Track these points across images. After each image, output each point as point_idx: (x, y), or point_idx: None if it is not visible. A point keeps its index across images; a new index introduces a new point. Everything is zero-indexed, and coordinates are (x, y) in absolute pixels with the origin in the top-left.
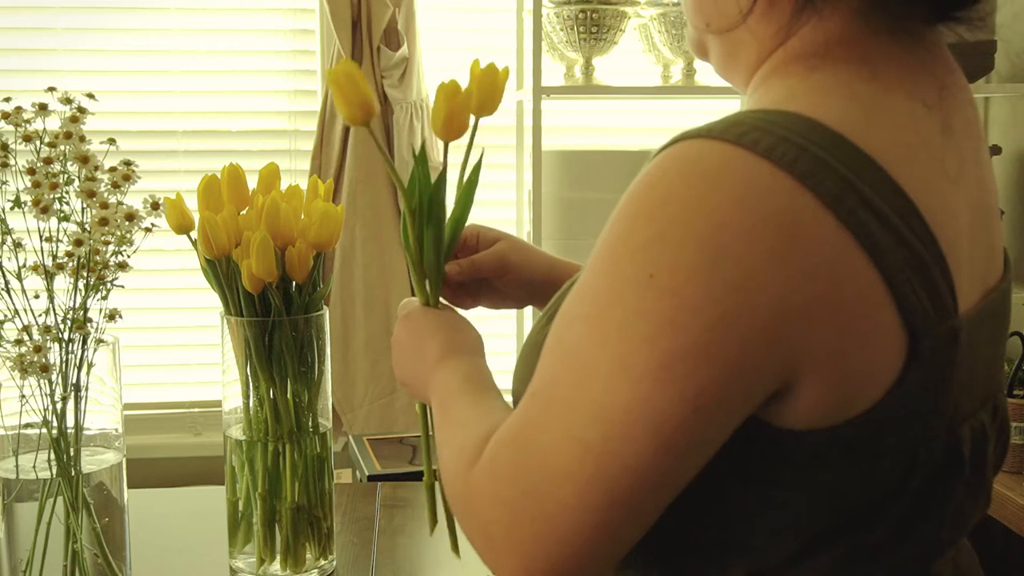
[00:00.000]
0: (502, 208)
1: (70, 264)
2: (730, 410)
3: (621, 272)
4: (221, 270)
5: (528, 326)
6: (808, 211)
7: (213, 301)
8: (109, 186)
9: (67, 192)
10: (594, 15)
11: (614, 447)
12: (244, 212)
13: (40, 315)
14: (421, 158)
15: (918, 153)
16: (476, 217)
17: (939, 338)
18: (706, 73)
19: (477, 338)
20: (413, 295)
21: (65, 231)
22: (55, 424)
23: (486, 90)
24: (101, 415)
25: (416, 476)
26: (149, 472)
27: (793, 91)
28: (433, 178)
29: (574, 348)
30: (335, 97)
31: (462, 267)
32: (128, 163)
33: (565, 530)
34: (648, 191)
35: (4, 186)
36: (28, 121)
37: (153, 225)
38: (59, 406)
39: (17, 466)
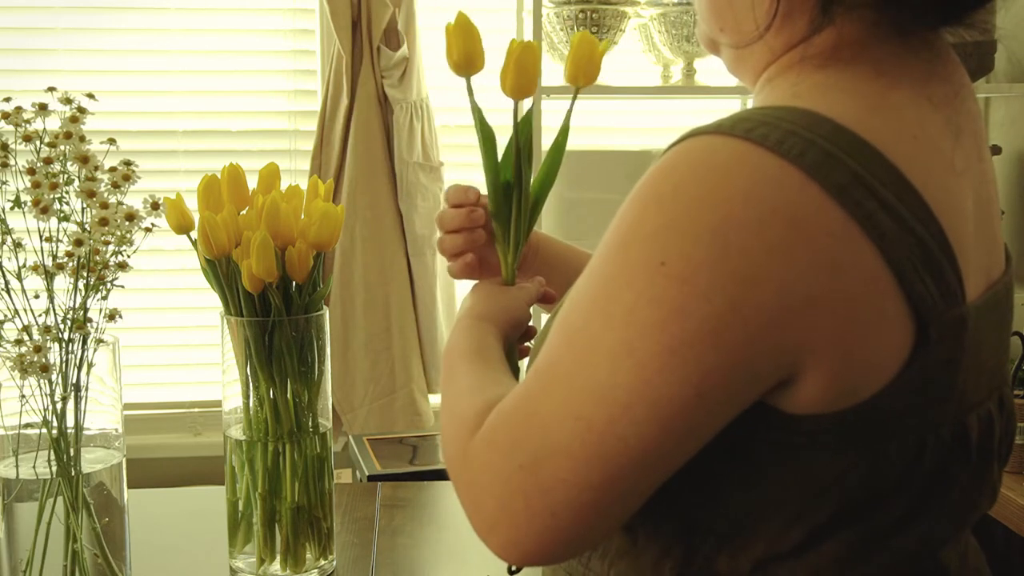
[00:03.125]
0: None
1: (70, 264)
2: (733, 396)
3: (631, 258)
4: (221, 270)
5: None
6: (815, 203)
7: (213, 301)
8: (109, 186)
9: (67, 192)
10: (594, 15)
11: (617, 428)
12: (244, 212)
13: (40, 315)
14: (524, 124)
15: (923, 146)
16: None
17: (947, 325)
18: (706, 73)
19: (510, 316)
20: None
21: (65, 231)
22: (55, 424)
23: (582, 59)
24: (101, 415)
25: (416, 476)
26: (149, 472)
27: (798, 88)
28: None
29: (581, 329)
30: (449, 45)
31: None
32: (128, 163)
33: (559, 506)
34: (659, 182)
35: (4, 186)
36: (28, 121)
37: (153, 225)
38: (59, 406)
39: (17, 466)
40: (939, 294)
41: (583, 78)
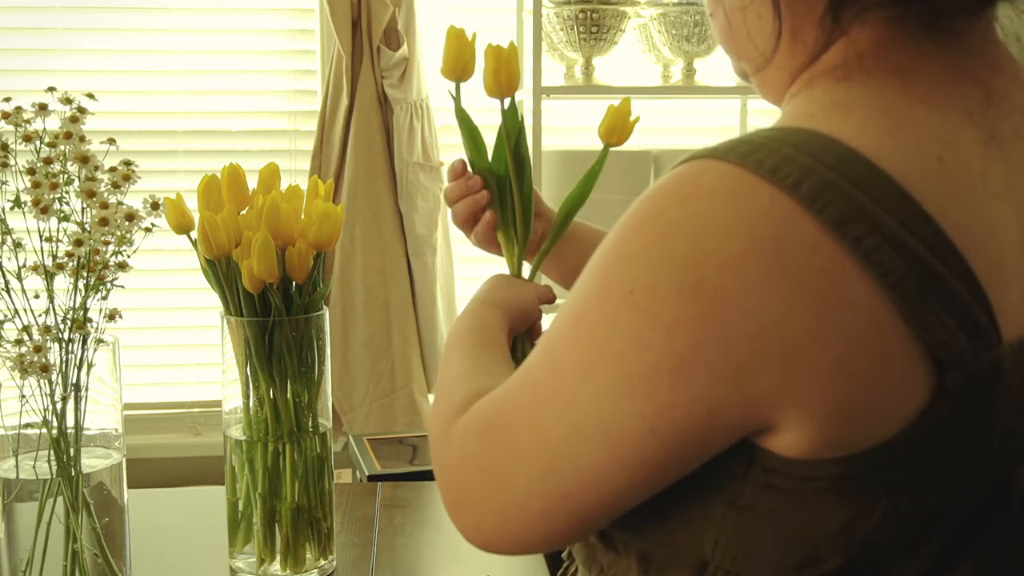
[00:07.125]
0: None
1: (70, 264)
2: (695, 438)
3: (606, 280)
4: (221, 270)
5: None
6: (806, 237)
7: (213, 301)
8: (109, 186)
9: (67, 192)
10: (594, 15)
11: (570, 446)
12: (244, 212)
13: (40, 315)
14: (511, 116)
15: (951, 167)
16: None
17: (975, 369)
18: (706, 73)
19: (519, 305)
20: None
21: (65, 231)
22: (55, 424)
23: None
24: (101, 415)
25: (416, 476)
26: (149, 472)
27: (815, 105)
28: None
29: (556, 340)
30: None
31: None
32: (128, 163)
33: (511, 507)
34: (646, 205)
35: (4, 186)
36: (28, 121)
37: (153, 225)
38: (59, 406)
39: (17, 466)
40: (964, 336)
41: (615, 138)
